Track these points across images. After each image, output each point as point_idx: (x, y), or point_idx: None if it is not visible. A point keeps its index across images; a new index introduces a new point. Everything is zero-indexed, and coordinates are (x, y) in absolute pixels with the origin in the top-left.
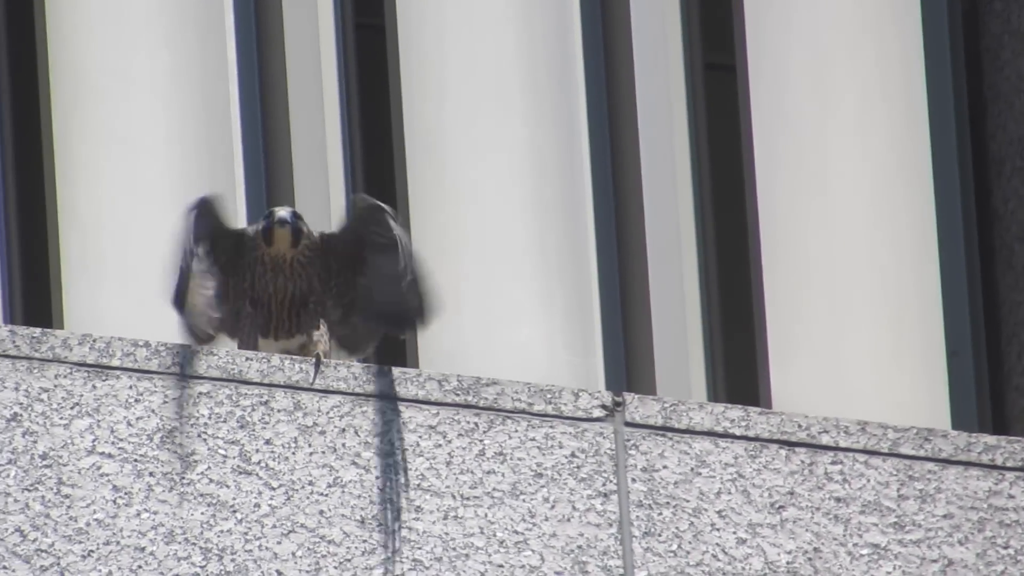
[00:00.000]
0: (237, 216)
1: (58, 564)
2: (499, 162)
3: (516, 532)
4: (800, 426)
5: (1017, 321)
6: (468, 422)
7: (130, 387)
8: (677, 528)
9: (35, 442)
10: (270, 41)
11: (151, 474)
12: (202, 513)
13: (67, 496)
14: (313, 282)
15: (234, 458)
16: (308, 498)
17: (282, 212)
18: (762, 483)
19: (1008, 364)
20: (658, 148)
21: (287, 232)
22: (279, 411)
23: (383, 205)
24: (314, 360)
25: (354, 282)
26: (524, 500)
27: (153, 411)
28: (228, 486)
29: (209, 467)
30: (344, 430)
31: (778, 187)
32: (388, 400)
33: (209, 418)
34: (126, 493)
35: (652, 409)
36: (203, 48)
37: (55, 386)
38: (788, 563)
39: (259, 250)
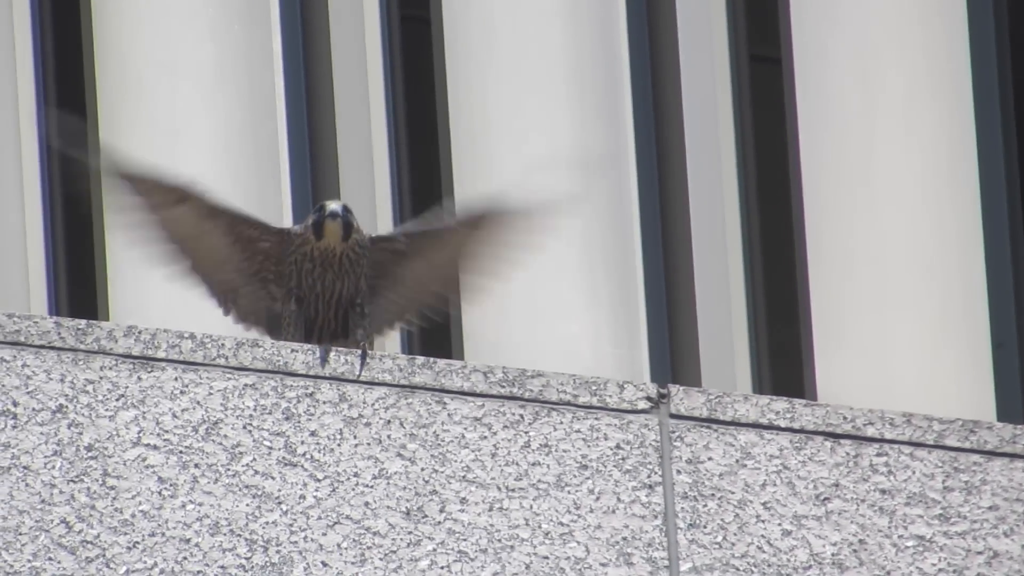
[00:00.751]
0: (281, 209)
1: (103, 555)
2: (544, 152)
3: (561, 524)
4: (845, 418)
5: None
6: (513, 414)
7: (175, 379)
8: (722, 520)
9: (80, 434)
10: (316, 33)
11: (196, 466)
12: (247, 505)
13: (112, 488)
14: (360, 282)
15: (279, 450)
16: (353, 490)
17: (333, 205)
18: (807, 475)
19: None
20: (703, 140)
21: (338, 225)
22: (324, 403)
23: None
24: (360, 352)
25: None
26: (569, 492)
27: (198, 403)
28: (273, 478)
29: (254, 458)
30: (389, 422)
31: (823, 179)
32: (433, 392)
33: (254, 410)
34: (171, 485)
35: (697, 401)
36: (249, 40)
37: (100, 378)
38: (833, 555)
39: (307, 245)
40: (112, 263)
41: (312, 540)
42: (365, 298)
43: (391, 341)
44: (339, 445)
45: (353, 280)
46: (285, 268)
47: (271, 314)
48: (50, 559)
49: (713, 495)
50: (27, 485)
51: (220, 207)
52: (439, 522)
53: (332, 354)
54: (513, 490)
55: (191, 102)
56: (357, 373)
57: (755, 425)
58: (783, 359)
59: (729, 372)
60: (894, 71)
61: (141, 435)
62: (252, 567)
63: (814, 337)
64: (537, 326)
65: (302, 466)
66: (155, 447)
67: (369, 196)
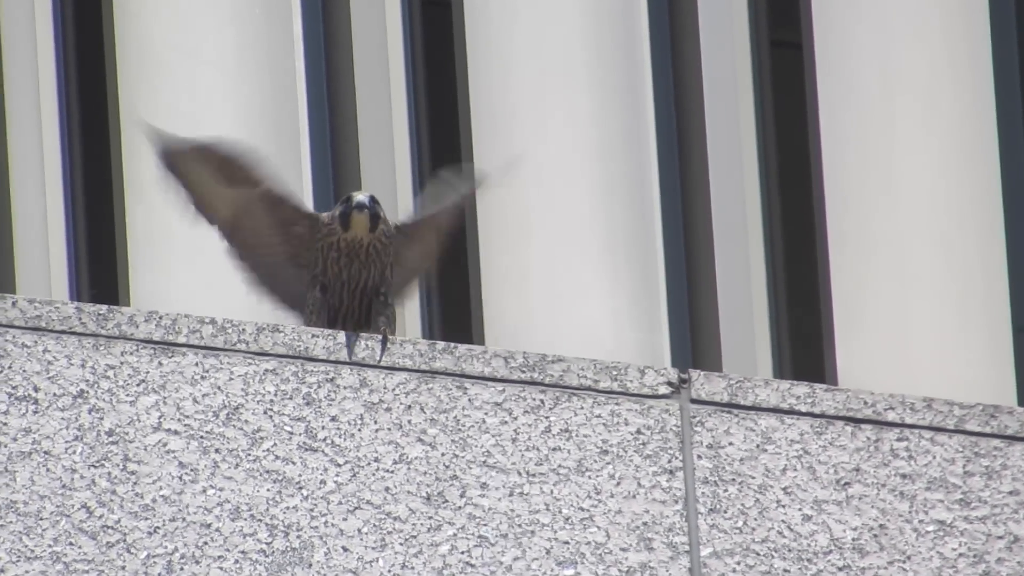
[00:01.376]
0: (301, 195)
1: (124, 540)
2: (565, 138)
3: (582, 509)
4: (866, 403)
5: None
6: (534, 399)
7: (196, 364)
8: (743, 505)
9: (101, 419)
10: (336, 17)
11: (217, 451)
12: (268, 490)
13: (133, 473)
14: (386, 272)
15: (300, 435)
16: (374, 475)
17: (360, 197)
18: (828, 460)
19: None
20: (724, 125)
21: (365, 217)
22: (345, 388)
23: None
24: (380, 338)
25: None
26: (590, 477)
27: (219, 388)
28: (294, 463)
29: (275, 444)
30: (410, 407)
31: (844, 163)
32: (454, 377)
33: (275, 395)
34: (192, 470)
35: (718, 386)
36: (269, 24)
37: (121, 363)
38: (854, 540)
39: (334, 235)
40: (133, 248)
41: (333, 525)
42: (389, 288)
43: (412, 326)
44: (360, 430)
45: (379, 270)
46: (311, 255)
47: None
48: (71, 544)
49: (733, 480)
50: (48, 470)
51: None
52: (460, 507)
53: (358, 342)
54: (534, 475)
55: (212, 87)
56: (378, 358)
57: (776, 410)
58: (804, 344)
59: (750, 357)
60: (915, 55)
61: (162, 420)
62: (272, 552)
63: (835, 322)
64: (558, 311)
65: (323, 451)
66: (176, 432)
67: (390, 181)
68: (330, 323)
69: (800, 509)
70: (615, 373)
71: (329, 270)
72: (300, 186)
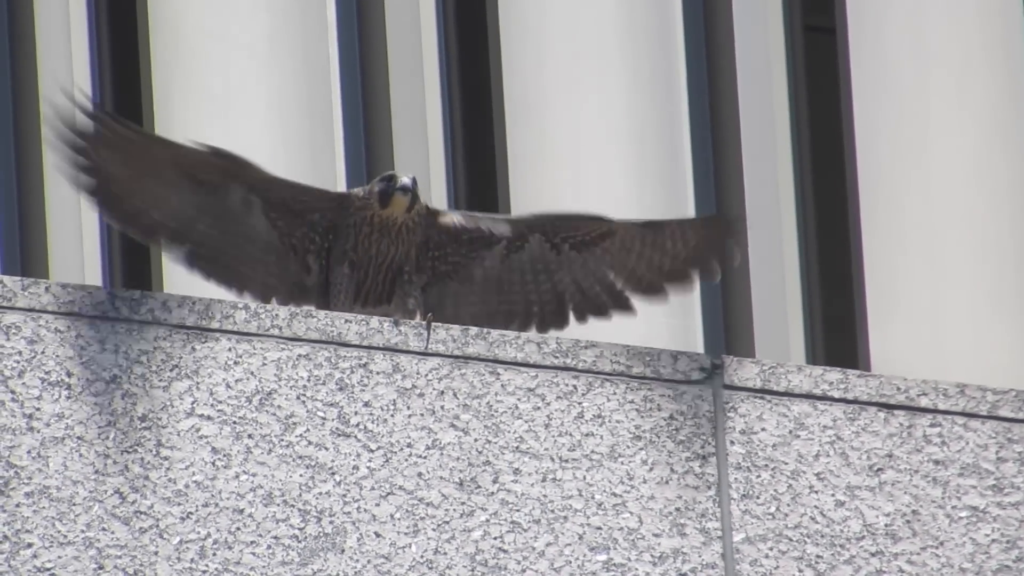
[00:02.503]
0: (335, 178)
1: (157, 526)
2: (598, 125)
3: (614, 495)
4: (899, 389)
5: None
6: (567, 384)
7: (229, 349)
8: (775, 491)
9: (134, 404)
10: (370, 2)
11: (250, 436)
12: (300, 475)
13: (166, 458)
14: (411, 251)
15: (333, 420)
16: (407, 460)
17: (405, 179)
18: (860, 446)
19: None
20: (757, 111)
21: (407, 199)
22: (378, 373)
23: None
24: (426, 323)
25: (449, 259)
26: (622, 463)
27: (252, 373)
28: (327, 448)
29: (308, 429)
30: (443, 392)
31: (877, 149)
32: (487, 362)
33: (308, 380)
34: (225, 455)
35: (751, 372)
36: (303, 10)
37: (154, 348)
38: (886, 525)
39: (369, 211)
40: None
41: (365, 511)
42: (412, 266)
43: None
44: (392, 416)
45: (405, 247)
46: (342, 231)
47: (299, 287)
48: (104, 529)
49: (766, 466)
50: (81, 455)
51: (271, 177)
52: (492, 493)
53: (398, 326)
54: (566, 461)
55: (245, 72)
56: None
57: (808, 396)
58: (837, 329)
59: (783, 342)
60: (949, 42)
61: (195, 406)
62: (305, 537)
63: (868, 307)
64: None
65: (355, 436)
66: (209, 418)
67: (423, 165)
68: (354, 298)
69: (833, 495)
70: (648, 359)
71: (360, 246)
72: (333, 170)
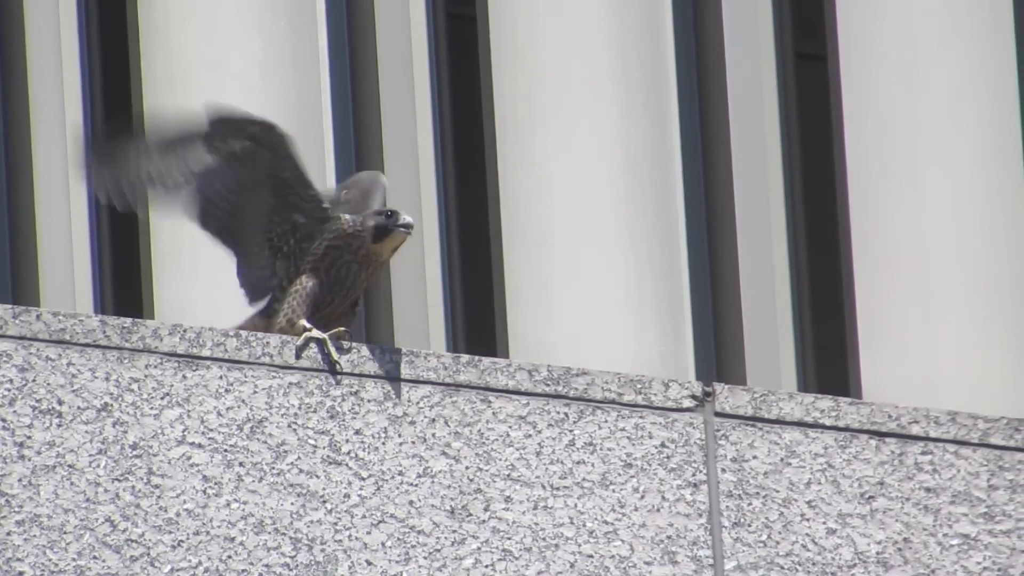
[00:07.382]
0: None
1: (148, 554)
2: (589, 151)
3: (606, 522)
4: (890, 416)
5: None
6: (558, 412)
7: (220, 377)
8: (767, 518)
9: (125, 432)
10: (362, 30)
11: (241, 464)
12: (292, 503)
13: (157, 486)
14: (368, 282)
15: (324, 448)
16: (398, 488)
17: (408, 218)
18: (852, 473)
19: None
20: (749, 137)
21: (405, 238)
22: (369, 401)
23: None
24: (339, 343)
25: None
26: (614, 490)
27: (243, 401)
28: (318, 476)
29: (299, 457)
30: (434, 420)
31: (868, 176)
32: (478, 390)
33: (299, 408)
34: (216, 483)
35: (742, 399)
36: (295, 38)
37: (145, 376)
38: (878, 553)
39: (358, 241)
40: (157, 261)
41: (356, 539)
42: (359, 298)
43: (435, 339)
44: (384, 443)
45: (372, 281)
46: (316, 247)
47: (261, 287)
48: (95, 558)
49: (758, 493)
50: (72, 484)
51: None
52: (484, 520)
53: (387, 354)
54: (558, 488)
55: (237, 100)
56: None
57: (800, 423)
58: (828, 357)
59: (774, 370)
60: (939, 68)
61: (186, 433)
62: (296, 566)
63: (859, 335)
64: (582, 324)
65: (347, 464)
66: (200, 445)
67: (415, 194)
68: (311, 312)
69: (824, 523)
70: (639, 386)
71: (336, 272)
72: None
